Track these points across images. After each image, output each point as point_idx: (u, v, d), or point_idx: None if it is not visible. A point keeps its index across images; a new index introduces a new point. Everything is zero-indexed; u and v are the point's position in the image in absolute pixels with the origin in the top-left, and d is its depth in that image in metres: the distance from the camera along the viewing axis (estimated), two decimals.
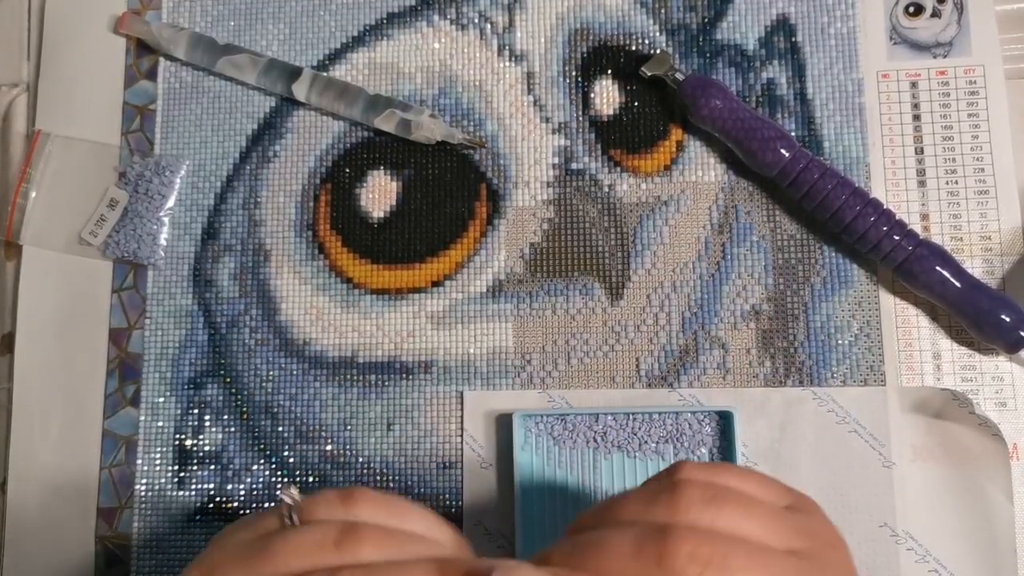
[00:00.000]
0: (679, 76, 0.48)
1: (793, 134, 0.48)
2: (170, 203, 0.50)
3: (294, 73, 0.49)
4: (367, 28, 0.51)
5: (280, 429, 0.48)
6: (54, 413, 0.48)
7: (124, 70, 0.51)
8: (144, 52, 0.51)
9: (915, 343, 0.46)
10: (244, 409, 0.48)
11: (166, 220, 0.49)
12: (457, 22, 0.51)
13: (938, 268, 0.44)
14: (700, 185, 0.48)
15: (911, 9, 0.49)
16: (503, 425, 0.46)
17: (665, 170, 0.49)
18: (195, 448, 0.48)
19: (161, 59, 0.51)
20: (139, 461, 0.48)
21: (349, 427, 0.47)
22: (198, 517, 0.47)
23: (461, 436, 0.47)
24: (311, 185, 0.50)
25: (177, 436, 0.48)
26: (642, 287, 0.48)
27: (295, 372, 0.48)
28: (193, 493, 0.47)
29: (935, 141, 0.48)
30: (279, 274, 0.49)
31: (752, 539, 0.27)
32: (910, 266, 0.44)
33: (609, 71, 0.50)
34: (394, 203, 0.49)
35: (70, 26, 0.52)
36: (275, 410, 0.48)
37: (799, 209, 0.47)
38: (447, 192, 0.49)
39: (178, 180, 0.50)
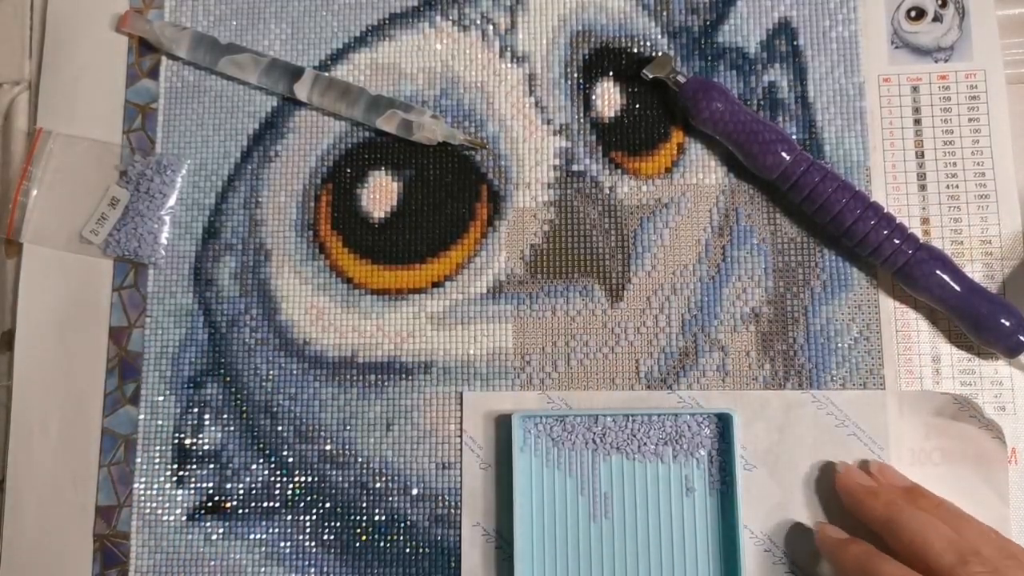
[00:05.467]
0: (680, 78, 0.48)
1: (794, 137, 0.48)
2: (171, 202, 0.50)
3: (296, 73, 0.49)
4: (369, 28, 0.51)
5: (279, 428, 0.48)
6: (53, 411, 0.48)
7: (126, 69, 0.51)
8: (146, 51, 0.51)
9: (914, 347, 0.46)
10: (244, 408, 0.48)
11: (167, 219, 0.49)
12: (459, 23, 0.51)
13: (938, 272, 0.44)
14: (701, 188, 0.48)
15: (913, 13, 0.49)
16: (502, 426, 0.46)
17: (666, 172, 0.49)
18: (194, 447, 0.48)
19: (163, 58, 0.51)
20: (138, 460, 0.48)
21: (348, 427, 0.47)
22: (197, 516, 0.47)
23: (460, 437, 0.47)
24: (312, 185, 0.50)
25: (176, 435, 0.48)
26: (642, 289, 0.48)
27: (295, 372, 0.48)
28: (192, 492, 0.47)
29: (936, 145, 0.48)
30: (279, 274, 0.49)
31: None
32: (910, 270, 0.44)
33: (610, 73, 0.50)
34: (395, 204, 0.49)
35: (72, 24, 0.52)
36: (275, 409, 0.48)
37: (799, 212, 0.47)
38: (448, 193, 0.49)
39: (179, 179, 0.50)
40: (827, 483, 0.45)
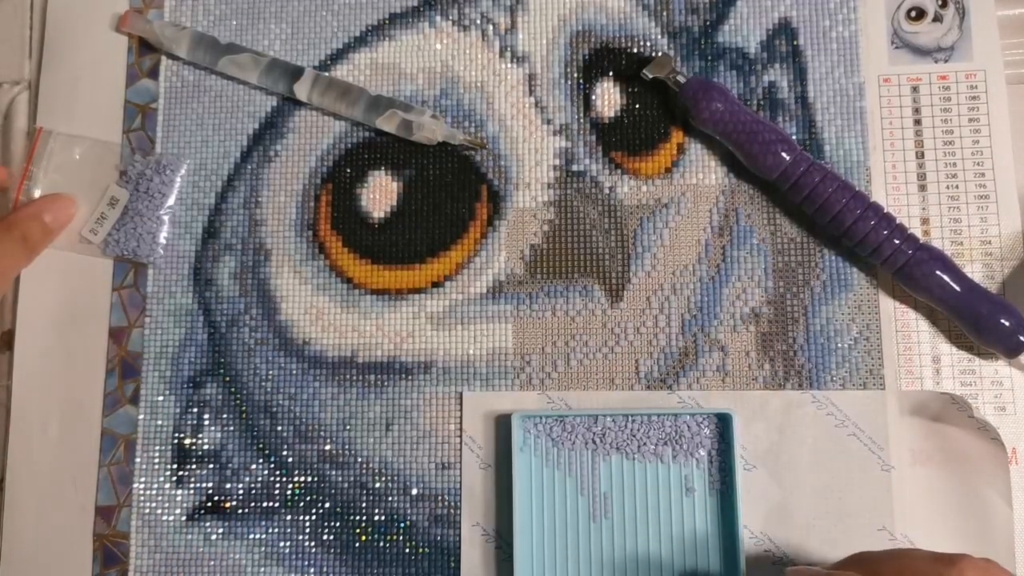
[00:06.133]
0: (680, 79, 0.48)
1: (794, 137, 0.48)
2: (170, 202, 0.50)
3: (296, 73, 0.49)
4: (369, 28, 0.51)
5: (279, 428, 0.48)
6: (53, 411, 0.48)
7: (126, 68, 0.51)
8: (146, 51, 0.51)
9: (914, 347, 0.46)
10: (243, 408, 0.48)
11: (166, 219, 0.49)
12: (459, 23, 0.51)
13: (938, 272, 0.44)
14: (701, 188, 0.48)
15: (913, 13, 0.49)
16: (502, 426, 0.46)
17: (666, 172, 0.49)
18: (194, 447, 0.48)
19: (163, 58, 0.51)
20: (138, 459, 0.48)
21: (348, 427, 0.47)
22: (196, 516, 0.47)
23: (460, 437, 0.47)
24: (312, 185, 0.50)
25: (176, 435, 0.48)
26: (642, 289, 0.48)
27: (295, 372, 0.48)
28: (191, 492, 0.47)
29: (936, 145, 0.48)
30: (279, 274, 0.49)
31: None
32: (910, 270, 0.44)
33: (610, 73, 0.50)
34: (395, 204, 0.49)
35: (72, 24, 0.52)
36: (274, 409, 0.48)
37: (799, 212, 0.47)
38: (448, 193, 0.49)
39: (179, 179, 0.50)
40: (827, 483, 0.45)
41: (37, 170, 0.50)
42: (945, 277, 0.44)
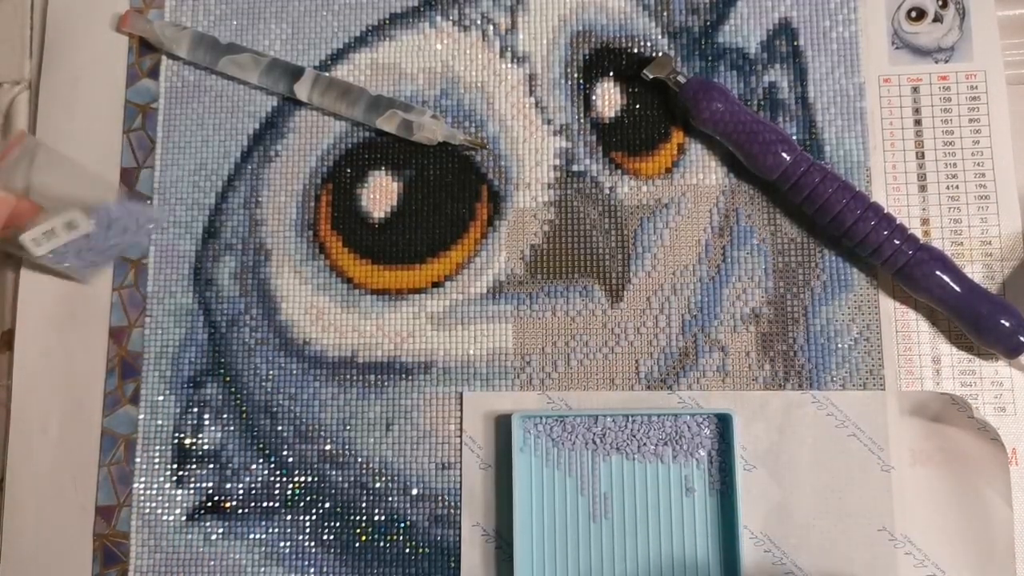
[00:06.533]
0: (681, 79, 0.48)
1: (794, 138, 0.48)
2: (133, 254, 0.49)
3: (296, 73, 0.49)
4: (369, 28, 0.51)
5: (279, 428, 0.48)
6: (53, 411, 0.48)
7: (126, 68, 0.51)
8: (146, 51, 0.51)
9: (915, 347, 0.46)
10: (243, 408, 0.48)
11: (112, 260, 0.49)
12: (459, 23, 0.51)
13: (938, 273, 0.44)
14: (701, 188, 0.48)
15: (913, 14, 0.49)
16: (502, 426, 0.46)
17: (666, 173, 0.49)
18: (194, 447, 0.48)
19: (163, 58, 0.51)
20: (138, 459, 0.48)
21: (348, 427, 0.47)
22: (196, 516, 0.47)
23: (460, 437, 0.47)
24: (312, 185, 0.50)
25: (176, 435, 0.48)
26: (642, 289, 0.48)
27: (295, 372, 0.48)
28: (192, 492, 0.47)
29: (936, 146, 0.48)
30: (279, 274, 0.49)
31: None
32: (910, 270, 0.44)
33: (611, 73, 0.50)
34: (395, 204, 0.49)
35: (72, 24, 0.52)
36: (274, 409, 0.48)
37: (800, 213, 0.47)
38: (448, 193, 0.49)
39: (149, 238, 0.49)
40: (827, 483, 0.45)
41: (11, 174, 0.48)
42: (945, 277, 0.44)
